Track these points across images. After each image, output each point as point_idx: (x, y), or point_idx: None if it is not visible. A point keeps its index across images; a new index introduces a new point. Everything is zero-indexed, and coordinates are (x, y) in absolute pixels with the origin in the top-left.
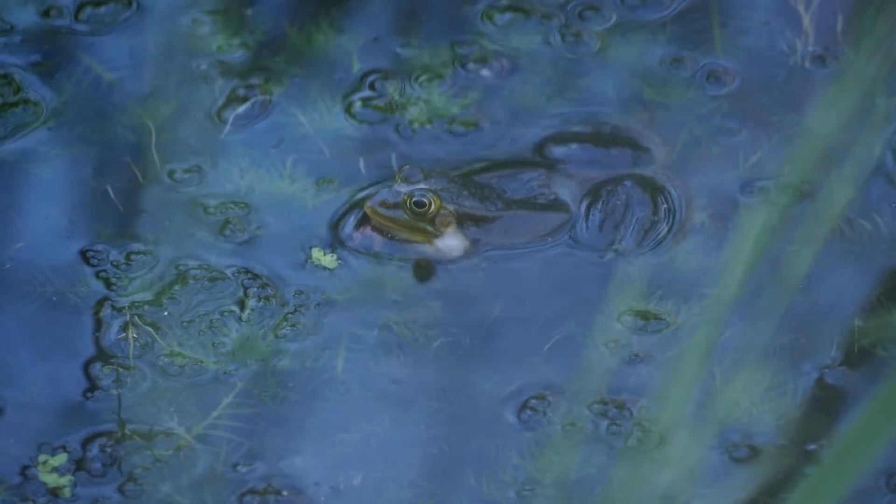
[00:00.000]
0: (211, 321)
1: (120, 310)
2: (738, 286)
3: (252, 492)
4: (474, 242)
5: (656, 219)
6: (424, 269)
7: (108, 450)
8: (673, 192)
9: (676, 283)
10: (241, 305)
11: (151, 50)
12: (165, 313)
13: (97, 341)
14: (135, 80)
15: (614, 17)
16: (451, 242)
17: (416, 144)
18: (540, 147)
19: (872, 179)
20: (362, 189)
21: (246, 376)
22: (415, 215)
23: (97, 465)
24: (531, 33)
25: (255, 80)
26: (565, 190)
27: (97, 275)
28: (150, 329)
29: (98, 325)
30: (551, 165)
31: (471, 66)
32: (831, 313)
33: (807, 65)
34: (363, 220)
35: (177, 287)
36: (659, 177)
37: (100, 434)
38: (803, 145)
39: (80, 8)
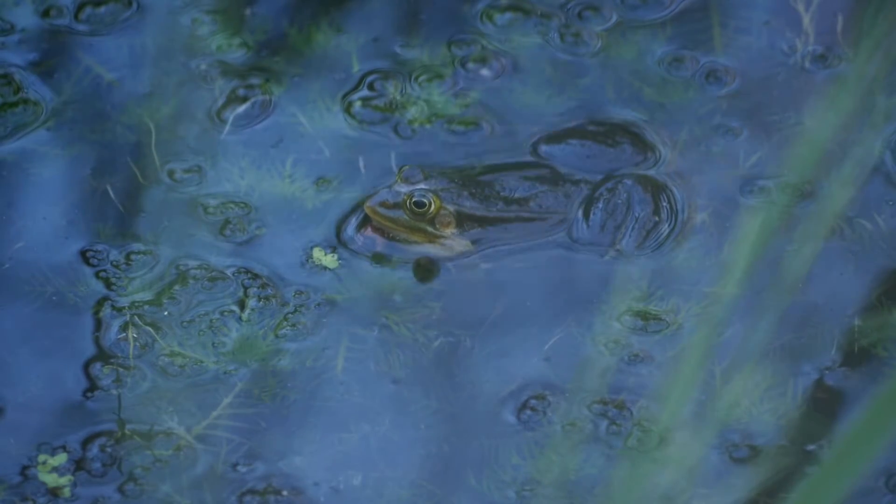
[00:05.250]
0: (211, 321)
1: (120, 310)
2: (738, 286)
3: (252, 492)
4: (474, 242)
5: (658, 219)
6: (425, 269)
7: (108, 450)
8: (675, 191)
9: (676, 282)
10: (241, 305)
11: (151, 50)
12: (165, 313)
13: (97, 341)
14: (135, 80)
15: (614, 17)
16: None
17: (416, 144)
18: (540, 147)
19: (872, 179)
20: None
21: (246, 376)
22: (415, 215)
23: (97, 465)
24: (531, 33)
25: (255, 80)
26: (565, 189)
27: (97, 275)
28: (150, 329)
29: (98, 325)
30: (551, 165)
31: (471, 65)
32: (831, 313)
33: (807, 65)
34: (365, 221)
35: (177, 287)
36: (660, 176)
37: (100, 434)
38: (803, 145)
39: (79, 8)
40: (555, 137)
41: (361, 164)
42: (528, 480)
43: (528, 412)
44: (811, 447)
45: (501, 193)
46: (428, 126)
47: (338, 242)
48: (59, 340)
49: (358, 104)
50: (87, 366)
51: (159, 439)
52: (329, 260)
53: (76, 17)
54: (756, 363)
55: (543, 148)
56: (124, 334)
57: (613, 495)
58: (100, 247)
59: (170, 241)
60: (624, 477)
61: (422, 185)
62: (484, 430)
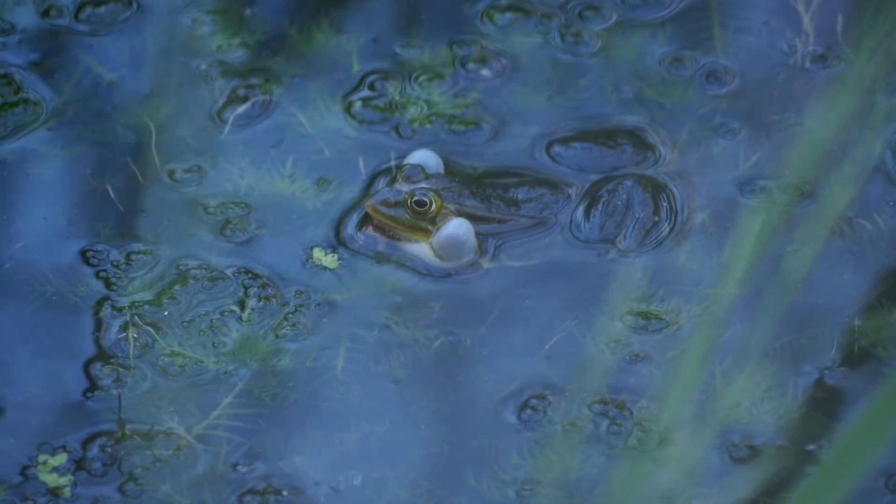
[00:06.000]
0: (211, 321)
1: (120, 310)
2: (739, 286)
3: (252, 492)
4: (481, 240)
5: (657, 219)
6: (425, 269)
7: (108, 450)
8: (674, 191)
9: (677, 282)
10: (242, 305)
11: (151, 50)
12: (165, 313)
13: (97, 341)
14: (135, 80)
15: (614, 17)
16: (454, 231)
17: (416, 144)
18: (540, 147)
19: (872, 179)
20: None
21: (246, 376)
22: (416, 214)
23: (97, 465)
24: (531, 33)
25: (255, 80)
26: (566, 190)
27: (97, 275)
28: (150, 329)
29: (98, 325)
30: (552, 165)
31: (471, 66)
32: (831, 313)
33: (807, 65)
34: (366, 219)
35: (177, 287)
36: (660, 176)
37: (100, 434)
38: (803, 145)
39: (80, 8)
40: (554, 137)
41: (361, 164)
42: (528, 480)
43: (529, 412)
44: (811, 447)
45: (502, 193)
46: (428, 126)
47: (338, 242)
48: (59, 340)
49: (358, 104)
50: (87, 366)
51: (159, 439)
52: (329, 260)
53: (76, 17)
54: (756, 363)
55: (544, 148)
56: (124, 334)
57: (613, 495)
58: (100, 247)
59: (170, 241)
60: (624, 477)
61: (423, 185)
62: (484, 430)
